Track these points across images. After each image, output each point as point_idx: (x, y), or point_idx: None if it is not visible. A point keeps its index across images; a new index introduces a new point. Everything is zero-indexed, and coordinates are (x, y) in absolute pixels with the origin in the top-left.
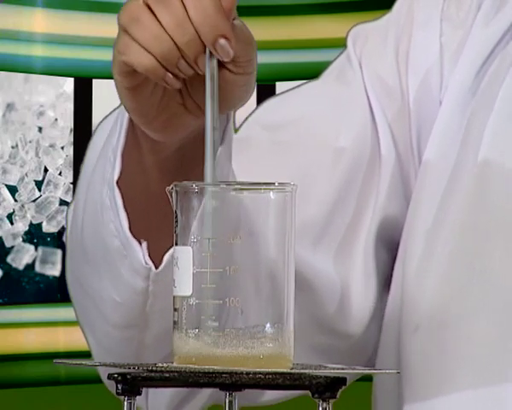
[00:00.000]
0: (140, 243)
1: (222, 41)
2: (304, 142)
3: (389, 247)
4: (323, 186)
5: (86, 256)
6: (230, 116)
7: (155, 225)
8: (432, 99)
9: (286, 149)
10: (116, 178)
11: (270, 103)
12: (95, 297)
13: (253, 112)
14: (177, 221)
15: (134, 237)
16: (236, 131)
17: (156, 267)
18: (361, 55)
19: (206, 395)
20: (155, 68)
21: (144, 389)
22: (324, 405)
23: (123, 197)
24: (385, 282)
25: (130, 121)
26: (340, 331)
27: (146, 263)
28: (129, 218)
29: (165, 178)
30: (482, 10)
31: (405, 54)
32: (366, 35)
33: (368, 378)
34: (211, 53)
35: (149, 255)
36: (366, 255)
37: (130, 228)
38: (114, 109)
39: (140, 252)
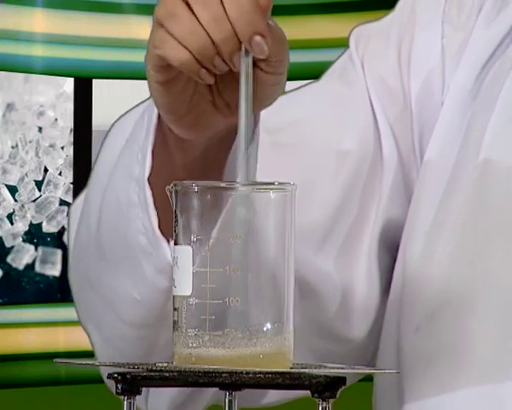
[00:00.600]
0: (168, 242)
1: (258, 38)
2: (306, 144)
3: (392, 250)
4: (326, 189)
5: (102, 253)
6: (259, 116)
7: None
8: (433, 100)
9: (288, 151)
10: (147, 174)
11: (272, 105)
12: (108, 296)
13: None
14: (176, 221)
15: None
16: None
17: None
18: (363, 56)
19: (206, 397)
20: (190, 63)
21: (144, 391)
22: (324, 404)
23: (152, 195)
24: (388, 284)
25: (159, 118)
26: (342, 336)
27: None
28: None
29: (191, 178)
30: (483, 12)
31: (407, 55)
32: (368, 36)
33: (368, 378)
34: (246, 51)
35: None
36: (369, 259)
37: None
38: (136, 106)
39: (168, 251)
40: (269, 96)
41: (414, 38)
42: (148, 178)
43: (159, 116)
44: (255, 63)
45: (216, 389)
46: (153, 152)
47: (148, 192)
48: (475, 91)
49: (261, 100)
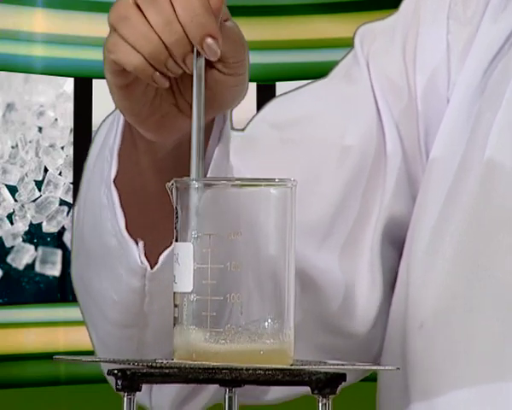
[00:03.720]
0: (136, 243)
1: (209, 40)
2: (310, 140)
3: (396, 245)
4: (329, 185)
5: (88, 255)
6: (227, 116)
7: (152, 224)
8: (439, 97)
9: (293, 147)
10: (113, 177)
11: (277, 102)
12: (96, 296)
13: (261, 110)
14: (177, 217)
15: (131, 236)
16: (243, 129)
17: (153, 267)
18: (368, 54)
19: (209, 393)
20: (144, 67)
21: (147, 387)
22: (324, 401)
23: (120, 196)
24: (391, 280)
25: (127, 121)
26: (345, 331)
27: (142, 262)
28: (126, 217)
29: (162, 178)
30: (490, 7)
31: (412, 52)
32: (373, 34)
33: (371, 378)
34: (198, 52)
35: (146, 255)
36: (372, 254)
37: (126, 227)
38: (115, 109)
39: (136, 251)
40: (231, 97)
41: (419, 35)
42: (117, 180)
43: (126, 120)
44: (213, 65)
45: (218, 387)
46: (121, 154)
47: (115, 193)
48: (482, 88)
49: (223, 101)
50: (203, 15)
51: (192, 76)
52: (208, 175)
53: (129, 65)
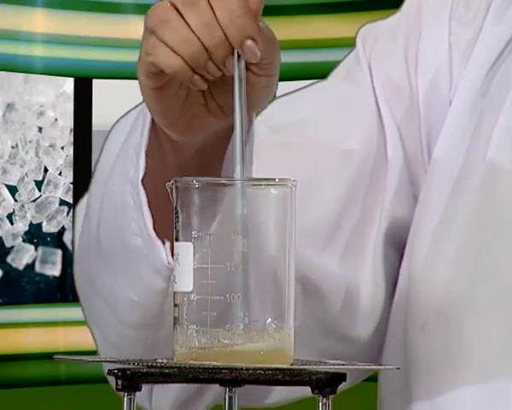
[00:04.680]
0: (163, 243)
1: (249, 42)
2: (311, 144)
3: (399, 248)
4: (331, 189)
5: (101, 255)
6: (253, 118)
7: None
8: (441, 99)
9: (293, 150)
10: (141, 176)
11: (277, 104)
12: (107, 297)
13: (261, 112)
14: (177, 217)
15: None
16: None
17: None
18: (370, 55)
19: (209, 396)
20: (184, 70)
21: (147, 389)
22: (324, 400)
23: (147, 196)
24: (394, 283)
25: (153, 120)
26: (347, 336)
27: (168, 263)
28: (151, 217)
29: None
30: (492, 8)
31: (414, 54)
32: (376, 35)
33: (371, 379)
34: (239, 55)
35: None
36: (375, 258)
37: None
38: (134, 108)
39: (163, 251)
40: (261, 98)
41: (421, 36)
42: (143, 180)
43: (152, 119)
44: (247, 66)
45: (219, 388)
46: (147, 154)
47: (142, 194)
48: (484, 89)
49: (253, 103)
50: (243, 17)
51: (224, 78)
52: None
53: (169, 68)
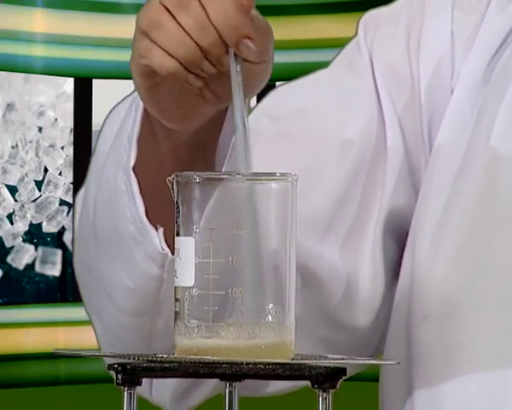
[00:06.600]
0: (156, 229)
1: (246, 41)
2: (310, 133)
3: (398, 238)
4: (330, 178)
5: (98, 242)
6: (248, 105)
7: (169, 212)
8: (443, 87)
9: (292, 140)
10: (132, 164)
11: (276, 93)
12: (105, 284)
13: (260, 102)
14: (178, 211)
15: (150, 223)
16: None
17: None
18: (372, 43)
19: (210, 385)
20: (179, 71)
21: (148, 380)
22: (324, 395)
23: (139, 183)
24: (393, 273)
25: (145, 108)
26: (348, 324)
27: (162, 249)
28: (144, 204)
29: (180, 165)
30: None
31: (417, 42)
32: (377, 22)
33: (372, 379)
34: (235, 53)
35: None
36: (374, 247)
37: (145, 214)
38: (129, 94)
39: (156, 238)
40: (256, 85)
41: (423, 24)
42: (136, 167)
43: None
44: (243, 59)
45: (219, 381)
46: (140, 141)
47: (134, 181)
48: (487, 77)
49: (250, 89)
50: (236, 16)
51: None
52: (226, 163)
53: (164, 70)
